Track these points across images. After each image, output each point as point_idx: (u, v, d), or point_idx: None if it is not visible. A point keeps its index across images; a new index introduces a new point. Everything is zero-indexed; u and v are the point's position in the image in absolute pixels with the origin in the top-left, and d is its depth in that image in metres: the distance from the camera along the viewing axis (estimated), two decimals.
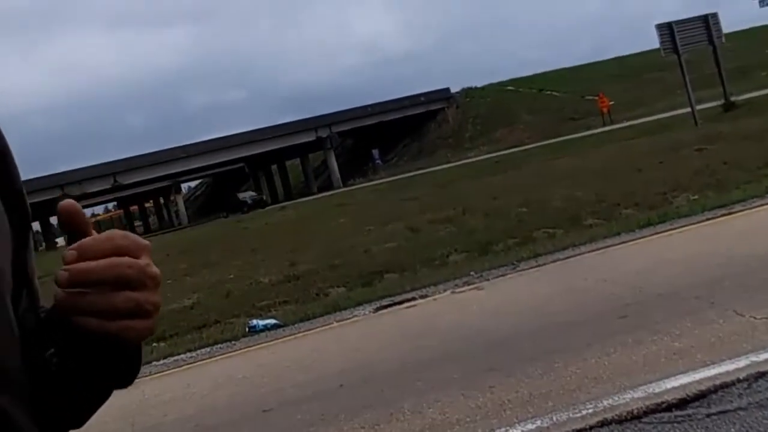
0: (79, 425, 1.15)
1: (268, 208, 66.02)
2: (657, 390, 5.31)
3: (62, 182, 67.33)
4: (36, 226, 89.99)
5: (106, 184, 72.64)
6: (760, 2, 78.76)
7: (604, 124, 52.09)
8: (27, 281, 1.09)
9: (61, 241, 70.96)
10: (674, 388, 5.27)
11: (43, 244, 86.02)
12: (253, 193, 78.91)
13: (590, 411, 5.21)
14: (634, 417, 5.00)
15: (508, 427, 5.26)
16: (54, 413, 1.05)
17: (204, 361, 9.86)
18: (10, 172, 1.09)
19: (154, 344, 11.41)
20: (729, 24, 36.91)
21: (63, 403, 1.05)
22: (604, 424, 5.00)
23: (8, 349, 0.97)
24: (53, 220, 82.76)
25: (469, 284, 10.72)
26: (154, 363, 10.19)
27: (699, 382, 5.29)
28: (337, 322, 10.30)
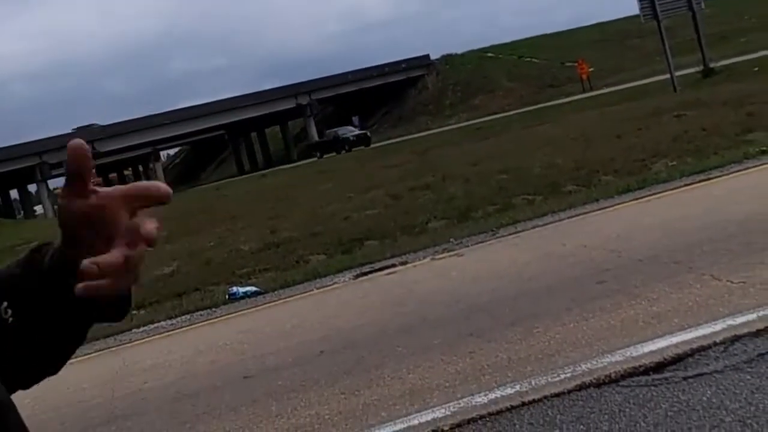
0: (55, 371, 1.15)
1: (285, 164, 65.75)
2: (634, 354, 5.36)
3: (40, 150, 66.89)
4: (14, 194, 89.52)
5: None
6: None
7: (584, 91, 52.14)
8: None
9: (39, 208, 70.77)
10: (651, 352, 5.32)
11: (21, 212, 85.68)
12: (354, 128, 68.31)
13: (568, 375, 5.25)
14: (612, 380, 5.04)
15: (487, 392, 5.30)
16: (17, 364, 1.05)
17: (184, 329, 9.86)
18: None
19: (134, 312, 11.39)
20: None
21: (26, 353, 1.05)
22: (582, 387, 5.04)
23: None
24: (31, 188, 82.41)
25: (448, 251, 10.74)
26: (134, 330, 10.19)
27: (676, 345, 5.34)
28: (318, 289, 10.31)
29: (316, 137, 75.34)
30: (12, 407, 1.04)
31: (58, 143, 68.42)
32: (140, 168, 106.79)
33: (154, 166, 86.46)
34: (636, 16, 33.48)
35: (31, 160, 66.95)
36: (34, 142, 68.76)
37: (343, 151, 59.86)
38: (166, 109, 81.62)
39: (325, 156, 61.67)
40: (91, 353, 9.34)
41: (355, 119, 74.49)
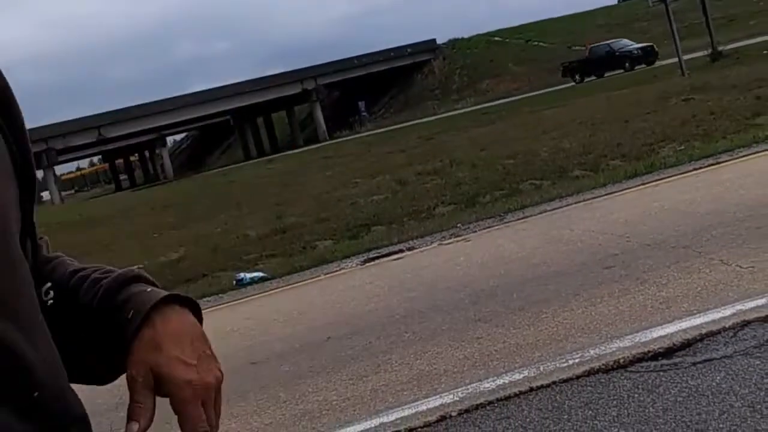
0: (99, 382, 1.20)
1: (292, 149, 64.82)
2: (643, 339, 5.33)
3: (47, 135, 66.88)
4: None
5: (91, 138, 72.19)
6: None
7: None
8: (30, 226, 1.13)
9: (45, 195, 70.77)
10: (660, 337, 5.30)
11: None
12: (636, 44, 51.47)
13: (577, 361, 5.23)
14: (621, 366, 5.02)
15: (495, 378, 5.28)
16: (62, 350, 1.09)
17: None
18: (12, 107, 1.11)
19: None
20: None
21: (62, 342, 1.09)
22: (590, 373, 5.02)
23: (7, 281, 0.99)
24: (38, 174, 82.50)
25: (456, 236, 10.73)
26: None
27: (685, 331, 5.31)
28: (325, 274, 10.31)
29: (323, 124, 75.17)
30: None
31: (64, 129, 68.51)
32: (147, 153, 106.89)
33: (160, 152, 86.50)
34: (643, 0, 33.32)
35: (38, 146, 66.83)
36: (41, 128, 68.63)
37: (621, 71, 46.98)
38: (172, 95, 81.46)
39: (586, 80, 49.27)
40: None
41: (362, 104, 74.38)
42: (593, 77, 49.06)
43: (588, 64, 51.59)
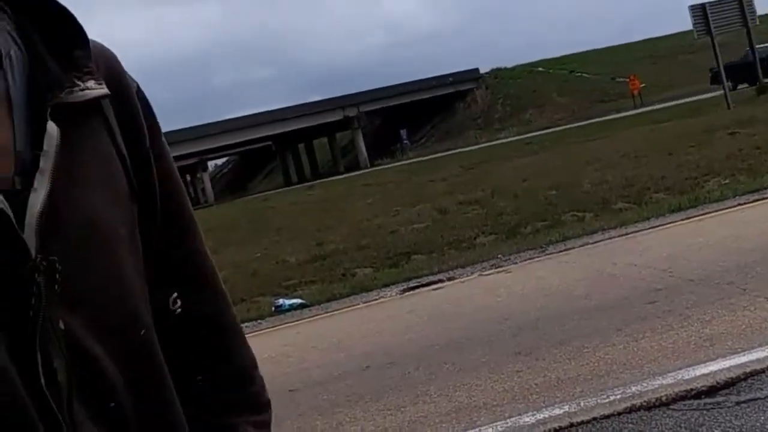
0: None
1: (333, 176, 64.09)
2: (686, 377, 5.26)
3: None
4: None
5: None
6: None
7: (635, 107, 51.72)
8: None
9: None
10: (703, 375, 5.22)
11: None
12: None
13: (618, 397, 5.17)
14: (663, 404, 4.95)
15: (535, 412, 5.23)
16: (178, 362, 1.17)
17: None
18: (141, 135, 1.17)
19: None
20: (763, 5, 36.44)
21: (187, 351, 1.21)
22: (632, 410, 4.95)
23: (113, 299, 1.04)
24: None
25: (496, 267, 10.67)
26: None
27: (729, 369, 5.23)
28: (364, 303, 10.29)
29: (364, 152, 75.30)
30: None
31: None
32: (188, 177, 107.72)
33: (201, 176, 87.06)
34: (689, 32, 33.17)
35: None
36: None
37: None
38: (214, 120, 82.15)
39: (739, 87, 43.45)
40: None
41: (403, 132, 74.52)
42: (745, 85, 43.44)
43: (742, 69, 43.31)
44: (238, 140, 77.04)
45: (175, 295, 1.20)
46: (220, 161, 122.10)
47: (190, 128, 74.67)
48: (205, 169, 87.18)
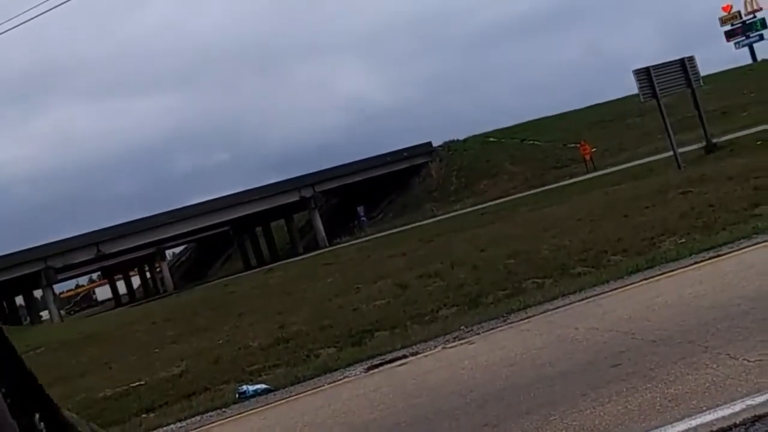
0: None
1: (291, 257, 63.59)
2: None
3: (46, 254, 67.11)
4: (20, 300, 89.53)
5: (89, 254, 72.30)
6: (735, 44, 79.67)
7: (588, 171, 52.31)
8: None
9: (45, 314, 70.56)
10: None
11: (28, 318, 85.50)
12: None
13: None
14: None
15: None
16: None
17: (194, 431, 9.71)
18: None
19: (144, 415, 11.27)
20: (706, 66, 37.11)
21: None
22: None
23: None
24: (37, 293, 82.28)
25: (460, 339, 10.63)
26: None
27: (695, 429, 5.22)
28: (328, 383, 10.19)
29: (322, 231, 75.34)
30: None
31: (62, 247, 68.64)
32: (146, 267, 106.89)
33: (160, 266, 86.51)
34: (635, 95, 33.71)
35: (36, 266, 66.99)
36: (39, 248, 68.83)
37: None
38: (172, 207, 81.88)
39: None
40: None
41: (360, 209, 74.76)
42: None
43: None
44: (195, 227, 76.82)
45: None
46: (178, 249, 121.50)
47: (147, 218, 74.43)
48: (164, 258, 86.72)
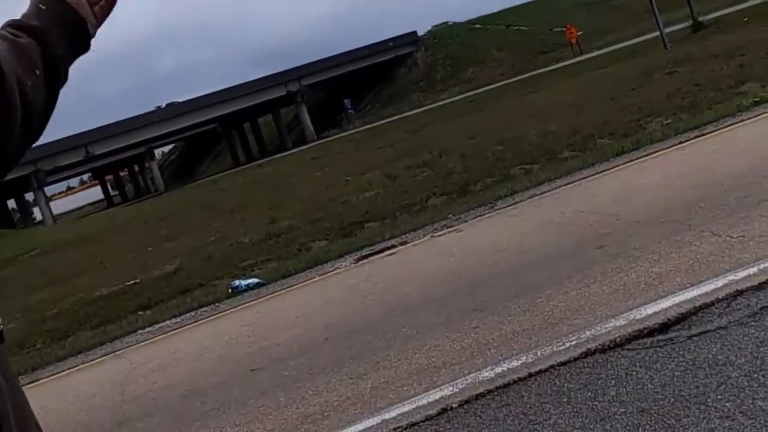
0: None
1: (280, 152, 63.48)
2: (638, 316, 5.33)
3: (35, 157, 66.81)
4: (12, 203, 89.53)
5: (79, 156, 72.10)
6: None
7: (574, 55, 52.00)
8: None
9: (37, 213, 70.55)
10: (655, 314, 5.30)
11: (22, 222, 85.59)
12: None
13: (573, 343, 5.23)
14: (617, 345, 5.02)
15: (493, 366, 5.28)
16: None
17: (189, 326, 9.85)
18: None
19: (140, 312, 11.41)
20: None
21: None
22: (587, 354, 5.02)
23: None
24: (28, 196, 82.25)
25: (448, 227, 10.72)
26: (139, 331, 10.20)
27: (679, 305, 5.32)
28: (319, 275, 10.30)
29: (310, 125, 75.06)
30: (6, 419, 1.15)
31: (51, 149, 68.33)
32: (136, 168, 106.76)
33: (149, 165, 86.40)
34: None
35: (26, 169, 66.78)
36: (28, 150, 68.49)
37: None
38: (159, 106, 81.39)
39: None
40: (98, 358, 9.35)
41: (347, 102, 74.39)
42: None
43: None
44: (183, 125, 76.52)
45: None
46: (167, 148, 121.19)
47: (134, 118, 74.02)
48: (153, 157, 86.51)
